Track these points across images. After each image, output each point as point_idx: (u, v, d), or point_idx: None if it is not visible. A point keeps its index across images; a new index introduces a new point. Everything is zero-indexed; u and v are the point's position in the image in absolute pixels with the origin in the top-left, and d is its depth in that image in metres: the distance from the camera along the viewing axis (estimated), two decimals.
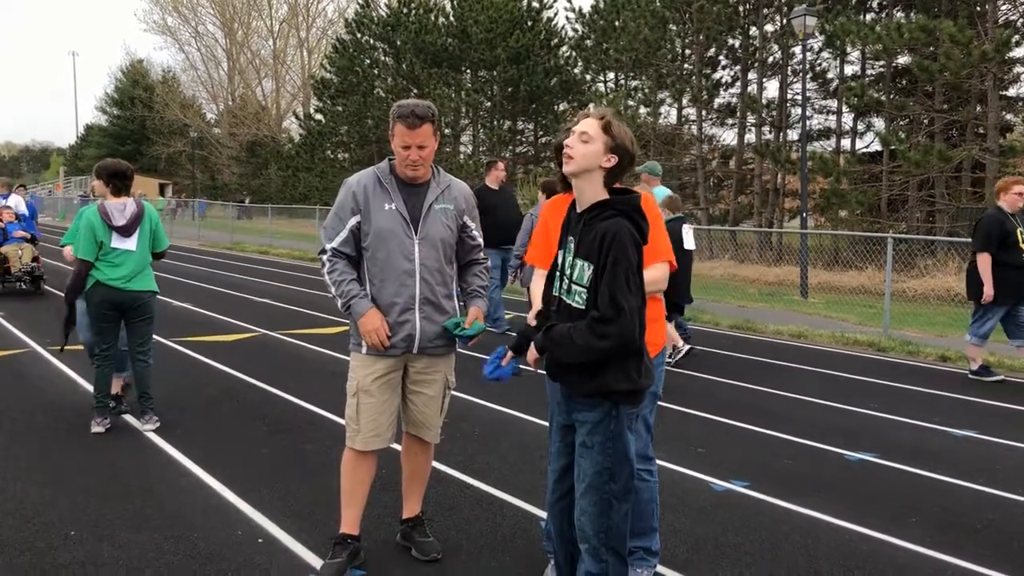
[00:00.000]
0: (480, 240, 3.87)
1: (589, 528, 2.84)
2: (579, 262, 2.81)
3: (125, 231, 5.66)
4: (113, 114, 65.74)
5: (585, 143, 2.83)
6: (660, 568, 3.77)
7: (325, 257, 3.65)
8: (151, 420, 5.89)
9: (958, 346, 9.91)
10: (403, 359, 3.68)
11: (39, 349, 8.68)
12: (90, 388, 6.40)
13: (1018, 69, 20.34)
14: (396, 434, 3.77)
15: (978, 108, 20.46)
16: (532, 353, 3.00)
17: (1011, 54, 19.14)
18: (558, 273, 2.94)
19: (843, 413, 6.79)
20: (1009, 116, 21.46)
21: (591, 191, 2.85)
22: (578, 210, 2.89)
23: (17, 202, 14.08)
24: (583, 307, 2.79)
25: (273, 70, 59.28)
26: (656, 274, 3.39)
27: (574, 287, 2.82)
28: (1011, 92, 21.89)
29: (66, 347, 6.33)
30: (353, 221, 3.60)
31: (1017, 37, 18.99)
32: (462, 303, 3.88)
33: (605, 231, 2.74)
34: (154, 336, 6.18)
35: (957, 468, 5.39)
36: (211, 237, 30.23)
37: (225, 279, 16.84)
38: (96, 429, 5.77)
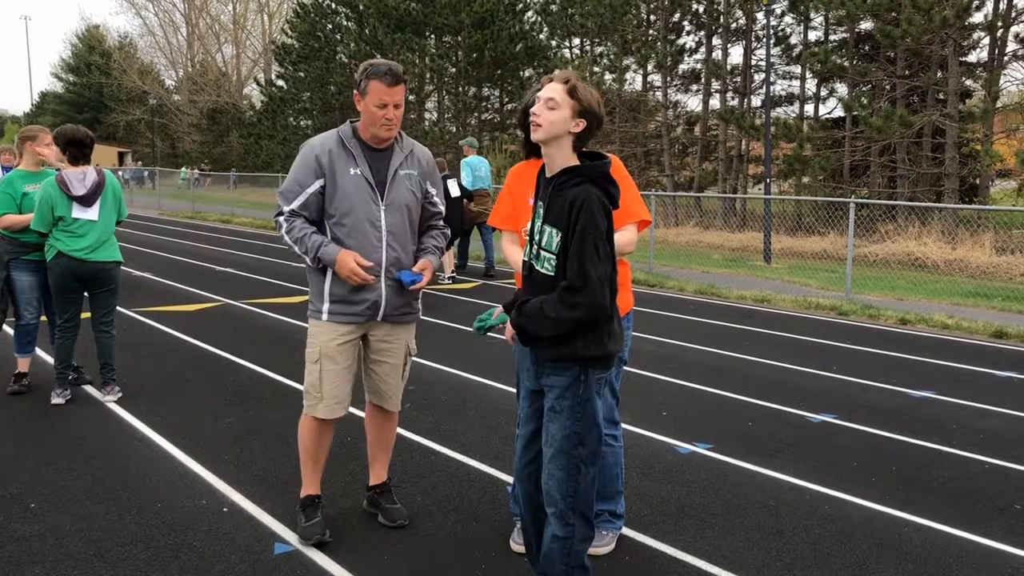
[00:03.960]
0: (442, 208, 3.81)
1: (556, 492, 2.85)
2: (547, 228, 2.79)
3: (85, 201, 5.50)
4: (69, 81, 64.27)
5: (552, 109, 2.78)
6: (625, 530, 3.81)
7: (282, 218, 3.53)
8: (113, 391, 5.81)
9: (918, 309, 10.08)
10: (366, 326, 3.64)
11: None
12: (50, 360, 6.29)
13: (977, 34, 20.51)
14: (354, 399, 3.75)
15: (939, 74, 20.64)
16: (508, 330, 2.99)
17: (971, 19, 19.29)
18: (528, 238, 2.93)
19: (805, 375, 6.89)
20: (969, 82, 21.68)
21: (561, 157, 2.83)
22: (547, 175, 2.87)
23: None
24: (552, 274, 2.78)
25: (233, 35, 58.11)
26: (626, 237, 3.39)
27: (543, 253, 2.81)
28: (971, 58, 22.12)
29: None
30: (316, 186, 3.51)
31: (977, 3, 19.13)
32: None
33: (574, 198, 2.72)
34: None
35: (915, 428, 5.50)
36: (171, 206, 29.74)
37: (186, 248, 16.60)
38: (56, 401, 5.68)
